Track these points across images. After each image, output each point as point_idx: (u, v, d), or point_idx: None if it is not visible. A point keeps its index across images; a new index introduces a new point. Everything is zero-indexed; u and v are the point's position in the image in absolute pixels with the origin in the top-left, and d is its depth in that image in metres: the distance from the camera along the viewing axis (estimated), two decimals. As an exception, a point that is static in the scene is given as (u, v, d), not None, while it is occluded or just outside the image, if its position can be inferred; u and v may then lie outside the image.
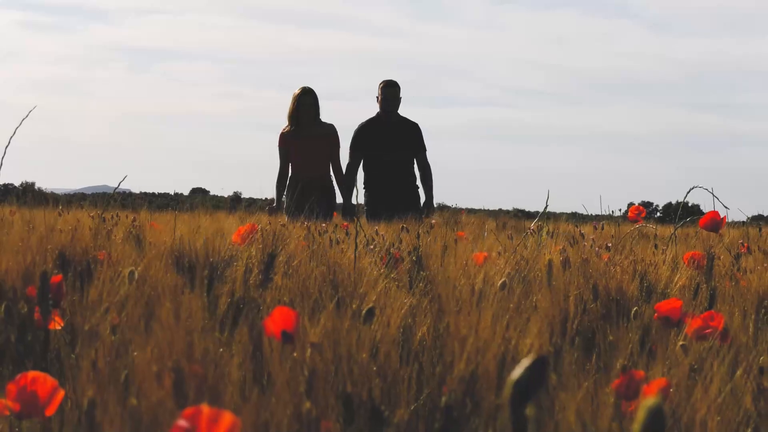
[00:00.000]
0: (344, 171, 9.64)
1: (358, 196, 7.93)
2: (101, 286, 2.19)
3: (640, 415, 0.86)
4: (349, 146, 9.74)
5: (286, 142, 9.67)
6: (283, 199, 9.69)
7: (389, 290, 2.21)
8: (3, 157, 3.17)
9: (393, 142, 9.56)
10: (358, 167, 9.68)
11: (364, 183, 9.71)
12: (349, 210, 9.37)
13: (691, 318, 2.34)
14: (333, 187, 9.61)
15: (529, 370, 0.88)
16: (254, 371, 1.94)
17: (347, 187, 9.60)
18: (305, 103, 9.48)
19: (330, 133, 9.65)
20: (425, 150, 9.77)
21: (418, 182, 9.72)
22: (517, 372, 0.88)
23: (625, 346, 2.15)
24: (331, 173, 9.65)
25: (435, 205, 9.94)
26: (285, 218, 8.68)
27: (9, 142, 3.14)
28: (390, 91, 9.61)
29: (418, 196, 9.67)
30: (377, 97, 9.69)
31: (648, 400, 0.87)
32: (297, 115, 9.49)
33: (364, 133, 9.70)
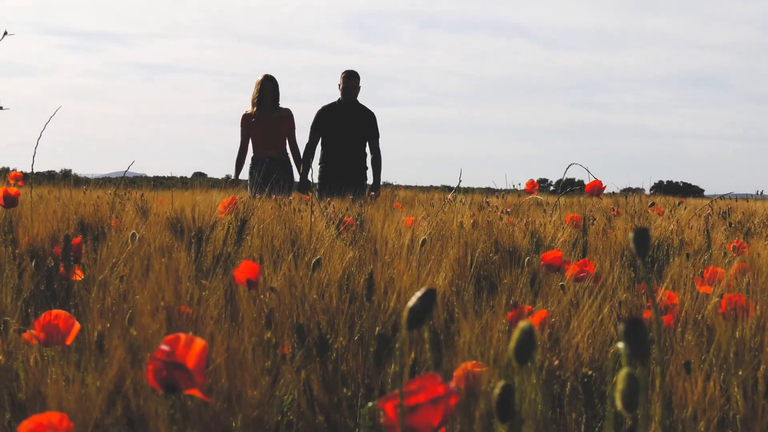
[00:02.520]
0: (303, 148, 8.71)
1: (313, 174, 7.39)
2: (112, 246, 2.17)
3: (515, 334, 0.86)
4: (310, 126, 8.74)
5: (247, 122, 8.64)
6: (240, 177, 8.85)
7: (336, 246, 2.20)
8: (36, 147, 3.14)
9: (350, 125, 8.66)
10: (316, 146, 8.74)
11: (320, 160, 8.75)
12: (304, 184, 8.49)
13: (569, 265, 2.36)
14: (290, 163, 8.70)
15: (420, 299, 0.87)
16: (230, 310, 1.93)
17: (304, 163, 8.65)
18: (266, 88, 8.54)
19: (287, 115, 8.61)
20: (378, 137, 8.78)
21: (368, 163, 8.85)
22: (412, 301, 0.87)
23: (518, 287, 2.16)
24: (288, 152, 8.68)
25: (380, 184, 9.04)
26: (247, 193, 8.13)
27: (40, 135, 3.11)
28: (350, 82, 8.73)
29: (366, 176, 8.83)
30: (339, 85, 8.74)
31: (522, 323, 0.87)
32: (259, 98, 8.54)
33: (325, 115, 8.71)
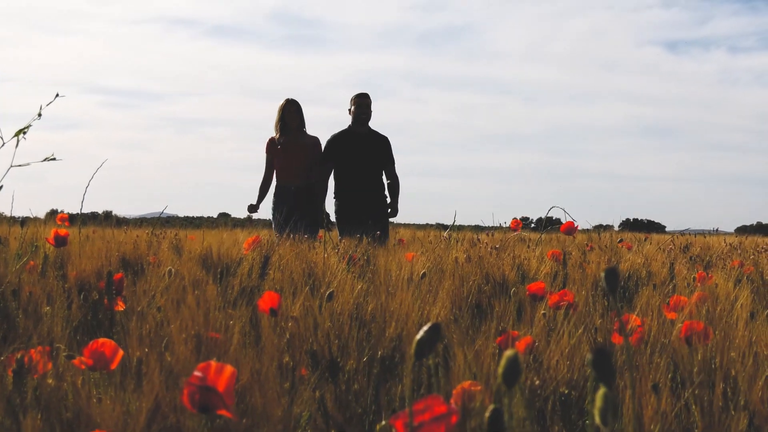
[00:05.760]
0: (315, 179, 7.00)
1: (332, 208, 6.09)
2: (150, 280, 2.16)
3: (503, 362, 0.86)
4: (320, 156, 7.02)
5: (272, 148, 7.06)
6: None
7: (347, 279, 2.20)
8: (85, 193, 3.15)
9: (363, 153, 6.97)
10: (328, 176, 7.01)
11: (335, 192, 7.03)
12: (320, 218, 6.82)
13: (551, 294, 2.35)
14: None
15: (427, 332, 0.87)
16: (254, 336, 1.92)
17: (318, 194, 6.94)
18: (290, 111, 6.99)
19: (314, 143, 6.99)
20: (393, 163, 7.09)
21: (386, 192, 7.09)
22: (420, 334, 0.87)
23: (506, 314, 2.15)
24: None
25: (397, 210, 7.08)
26: (274, 232, 6.75)
27: (89, 183, 3.13)
28: (362, 101, 7.03)
29: (386, 204, 7.08)
30: (349, 110, 7.06)
31: (508, 352, 0.87)
32: (282, 123, 7.00)
33: (336, 143, 6.99)
